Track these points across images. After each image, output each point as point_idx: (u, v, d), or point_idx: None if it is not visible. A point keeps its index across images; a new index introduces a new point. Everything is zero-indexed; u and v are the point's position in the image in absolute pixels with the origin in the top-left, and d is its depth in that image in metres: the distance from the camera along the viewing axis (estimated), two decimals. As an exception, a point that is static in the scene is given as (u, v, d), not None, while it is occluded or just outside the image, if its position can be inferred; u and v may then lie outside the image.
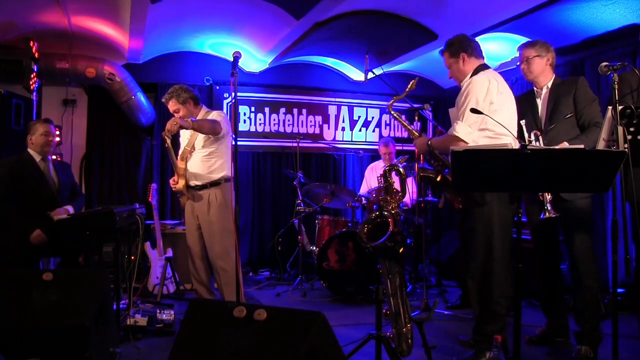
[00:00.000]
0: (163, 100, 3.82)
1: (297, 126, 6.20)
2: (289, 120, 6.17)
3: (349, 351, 2.55)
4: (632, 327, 3.28)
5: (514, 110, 3.03)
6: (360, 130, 6.49)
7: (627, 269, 2.77)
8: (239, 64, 3.19)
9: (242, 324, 1.76)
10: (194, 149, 3.76)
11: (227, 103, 5.88)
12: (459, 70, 3.09)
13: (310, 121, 6.28)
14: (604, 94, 4.34)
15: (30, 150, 3.69)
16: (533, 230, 3.36)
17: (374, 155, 6.36)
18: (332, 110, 6.37)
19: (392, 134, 6.58)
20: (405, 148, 6.28)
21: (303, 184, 5.24)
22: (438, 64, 5.58)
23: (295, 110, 6.20)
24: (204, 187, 3.73)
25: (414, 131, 3.29)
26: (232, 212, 3.66)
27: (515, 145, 2.75)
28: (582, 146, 2.34)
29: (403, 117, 3.36)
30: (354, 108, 6.47)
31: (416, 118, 4.81)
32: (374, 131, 6.55)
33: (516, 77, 5.27)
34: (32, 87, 4.69)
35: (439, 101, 6.59)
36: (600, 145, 2.59)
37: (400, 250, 2.72)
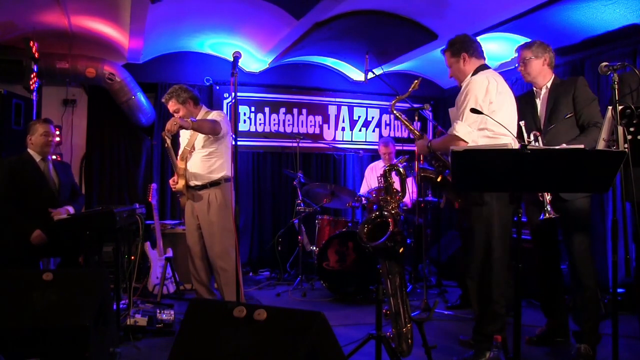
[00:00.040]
0: (163, 100, 3.82)
1: (297, 126, 6.20)
2: (289, 120, 6.17)
3: (349, 351, 2.55)
4: (632, 327, 3.28)
5: (513, 110, 3.03)
6: (360, 130, 6.49)
7: (627, 269, 2.78)
8: (239, 64, 3.19)
9: (242, 324, 1.76)
10: (194, 149, 3.76)
11: (227, 103, 5.88)
12: (460, 70, 3.09)
13: (310, 121, 6.28)
14: (604, 94, 4.34)
15: (30, 151, 3.69)
16: (533, 230, 3.37)
17: (374, 155, 6.36)
18: (332, 110, 6.37)
19: (392, 134, 6.58)
20: (405, 148, 6.28)
21: (303, 184, 5.24)
22: (438, 64, 5.61)
23: (295, 110, 6.20)
24: (203, 187, 3.73)
25: (416, 131, 3.30)
26: (232, 212, 3.66)
27: (515, 145, 2.75)
28: (582, 146, 2.34)
29: (404, 116, 3.35)
30: (354, 108, 6.47)
31: (416, 118, 4.81)
32: (374, 131, 6.55)
33: (516, 77, 5.26)
34: (32, 87, 4.69)
35: (439, 101, 6.59)
36: (600, 145, 2.59)
37: (400, 250, 2.72)
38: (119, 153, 5.63)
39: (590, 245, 3.13)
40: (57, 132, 4.96)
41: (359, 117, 6.49)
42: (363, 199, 5.00)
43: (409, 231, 5.22)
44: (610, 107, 2.48)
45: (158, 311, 3.60)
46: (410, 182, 5.16)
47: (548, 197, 2.90)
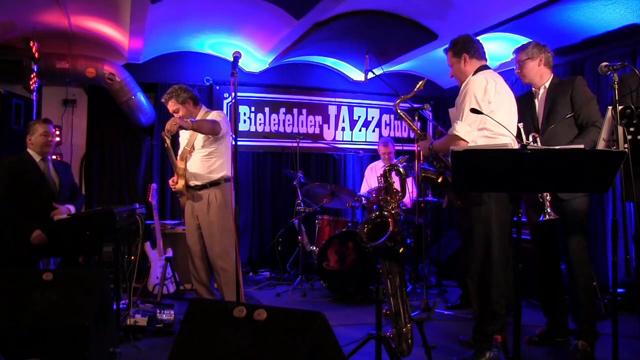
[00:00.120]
0: (162, 100, 3.82)
1: (297, 126, 6.20)
2: (289, 120, 6.17)
3: (349, 351, 2.55)
4: (632, 327, 3.29)
5: (512, 110, 3.04)
6: (360, 130, 6.49)
7: (627, 269, 2.78)
8: (239, 64, 3.19)
9: (242, 324, 1.76)
10: (194, 149, 3.76)
11: (227, 103, 5.88)
12: (460, 71, 3.11)
13: (310, 121, 6.28)
14: (604, 94, 4.35)
15: (29, 151, 3.69)
16: (533, 230, 3.37)
17: (374, 155, 6.36)
18: (332, 110, 6.37)
19: (392, 134, 6.58)
20: (405, 148, 6.29)
21: (303, 184, 5.24)
22: (438, 64, 5.61)
23: (295, 110, 6.21)
24: (203, 187, 3.73)
25: (419, 132, 3.30)
26: (232, 212, 3.66)
27: (515, 145, 2.75)
28: (582, 146, 2.34)
29: (408, 116, 3.35)
30: (354, 108, 6.47)
31: (416, 118, 4.80)
32: (374, 131, 6.55)
33: (516, 77, 5.22)
34: (32, 87, 4.69)
35: (439, 101, 6.60)
36: (600, 145, 2.60)
37: (400, 250, 2.72)
38: (119, 153, 5.63)
39: (587, 245, 3.14)
40: (57, 132, 4.98)
41: (359, 117, 6.49)
42: (363, 199, 5.00)
43: (409, 231, 5.22)
44: (610, 107, 2.48)
45: (158, 311, 3.60)
46: (410, 182, 5.16)
47: (548, 198, 2.90)
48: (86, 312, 2.37)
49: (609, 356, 2.40)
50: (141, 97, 5.34)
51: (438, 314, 4.11)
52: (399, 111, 3.21)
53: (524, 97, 3.36)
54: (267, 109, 6.09)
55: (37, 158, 3.69)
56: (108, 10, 4.47)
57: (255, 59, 5.80)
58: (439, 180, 3.08)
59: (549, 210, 2.87)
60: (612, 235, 2.43)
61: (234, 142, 3.10)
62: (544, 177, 2.23)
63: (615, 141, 2.40)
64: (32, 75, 4.65)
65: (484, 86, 2.86)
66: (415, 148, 4.64)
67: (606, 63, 2.49)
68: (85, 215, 3.52)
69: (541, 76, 3.24)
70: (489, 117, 2.72)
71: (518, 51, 3.27)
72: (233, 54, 3.12)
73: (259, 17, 4.70)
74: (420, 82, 3.15)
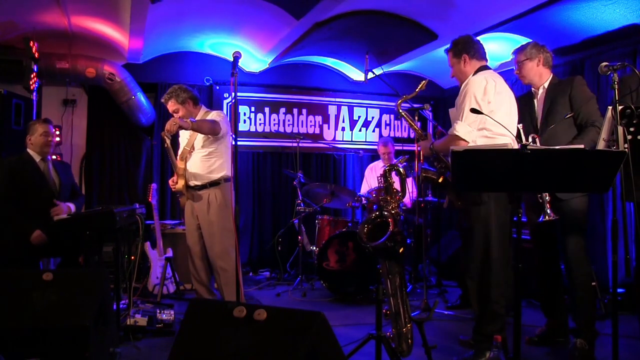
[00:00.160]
0: (162, 100, 3.82)
1: (297, 126, 6.20)
2: (289, 120, 6.17)
3: (349, 351, 2.55)
4: (632, 327, 3.29)
5: (512, 110, 3.04)
6: (360, 130, 6.49)
7: (627, 269, 2.79)
8: (239, 64, 3.19)
9: (242, 324, 1.76)
10: (194, 149, 3.75)
11: (227, 103, 5.88)
12: (460, 71, 3.13)
13: (310, 121, 6.28)
14: (604, 94, 4.35)
15: (29, 151, 3.69)
16: (533, 230, 3.37)
17: (373, 155, 6.36)
18: (332, 110, 6.37)
19: (392, 134, 6.58)
20: (405, 148, 6.29)
21: (303, 184, 5.24)
22: (438, 64, 5.62)
23: (295, 110, 6.20)
24: (203, 187, 3.73)
25: (420, 132, 3.31)
26: (232, 212, 3.66)
27: (515, 145, 2.76)
28: (582, 146, 2.34)
29: (409, 116, 3.36)
30: (354, 108, 6.47)
31: (416, 118, 4.81)
32: (374, 131, 6.55)
33: (516, 77, 5.23)
34: (32, 87, 4.69)
35: (439, 101, 6.60)
36: (600, 145, 2.60)
37: (400, 250, 2.72)
38: (119, 153, 5.63)
39: (586, 245, 3.14)
40: (57, 132, 4.98)
41: (359, 117, 6.49)
42: (363, 199, 5.00)
43: (409, 231, 5.22)
44: (610, 107, 2.48)
45: (158, 311, 3.60)
46: (410, 182, 5.16)
47: (547, 198, 2.90)
48: (86, 312, 2.37)
49: (609, 356, 2.40)
50: (141, 97, 5.34)
51: (438, 314, 4.11)
52: (400, 111, 3.22)
53: (524, 98, 3.37)
54: (267, 109, 6.09)
55: (37, 158, 3.69)
56: (108, 10, 4.47)
57: (255, 59, 5.80)
58: (440, 180, 3.08)
59: (548, 212, 2.87)
60: (612, 235, 2.43)
61: (234, 142, 3.10)
62: (544, 177, 2.23)
63: (615, 141, 2.40)
64: (32, 75, 4.65)
65: (484, 86, 2.87)
66: (415, 148, 4.63)
67: (606, 63, 2.49)
68: (85, 215, 3.52)
69: (540, 76, 3.25)
70: (488, 117, 2.72)
71: (517, 52, 3.29)
72: (233, 54, 3.12)
73: (259, 17, 4.70)
74: (423, 83, 3.17)
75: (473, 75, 3.03)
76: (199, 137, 3.71)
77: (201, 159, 3.73)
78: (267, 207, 6.12)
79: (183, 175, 3.73)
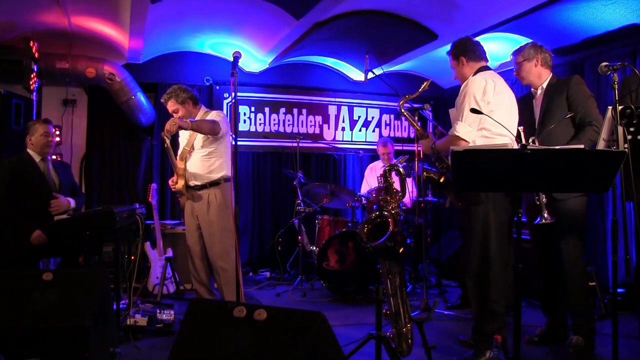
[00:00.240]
0: (162, 100, 3.82)
1: (297, 126, 6.20)
2: (289, 120, 6.17)
3: (349, 351, 2.55)
4: (632, 327, 3.29)
5: (512, 110, 3.05)
6: (360, 130, 6.49)
7: (627, 269, 2.78)
8: (239, 64, 3.19)
9: (242, 324, 1.76)
10: (193, 149, 3.76)
11: (227, 103, 5.88)
12: (460, 73, 3.17)
13: (310, 121, 6.28)
14: (604, 94, 4.35)
15: (29, 151, 3.69)
16: (533, 230, 3.37)
17: (373, 155, 6.36)
18: (332, 110, 6.37)
19: (391, 134, 6.58)
20: (405, 148, 6.29)
21: (303, 184, 5.24)
22: (438, 64, 5.62)
23: (295, 110, 6.20)
24: (203, 187, 3.73)
25: (421, 130, 3.32)
26: (232, 212, 3.66)
27: (514, 145, 2.76)
28: (582, 146, 2.34)
29: (411, 115, 3.37)
30: (354, 108, 6.47)
31: (416, 118, 4.82)
32: (374, 131, 6.55)
33: (516, 78, 5.28)
34: (32, 87, 4.68)
35: (439, 101, 6.59)
36: (600, 145, 2.60)
37: (400, 250, 2.72)
38: (119, 153, 5.63)
39: (581, 245, 3.16)
40: (57, 132, 4.99)
41: (359, 117, 6.49)
42: (363, 199, 5.00)
43: (409, 231, 5.22)
44: (610, 107, 2.48)
45: (158, 311, 3.59)
46: (410, 182, 5.16)
47: (545, 200, 2.91)
48: (86, 312, 2.37)
49: (609, 356, 2.40)
50: (141, 97, 5.34)
51: (438, 314, 4.11)
52: (403, 110, 3.24)
53: (524, 99, 3.38)
54: (267, 109, 6.09)
55: (37, 158, 3.69)
56: (108, 10, 4.47)
57: (255, 59, 5.80)
58: (441, 180, 3.09)
59: (545, 215, 2.88)
60: (612, 235, 2.43)
61: (234, 142, 3.10)
62: (543, 177, 2.23)
63: (615, 141, 2.40)
64: (32, 75, 4.65)
65: (483, 87, 2.89)
66: (415, 148, 4.64)
67: (606, 63, 2.49)
68: (85, 215, 3.52)
69: (539, 76, 3.26)
70: (488, 117, 2.72)
71: (515, 53, 3.31)
72: (233, 54, 3.12)
73: (259, 17, 4.70)
74: (425, 83, 3.20)
75: (473, 75, 3.04)
76: (199, 137, 3.71)
77: (201, 159, 3.73)
78: (267, 207, 6.12)
79: (183, 175, 3.73)
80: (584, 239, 3.42)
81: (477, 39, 3.25)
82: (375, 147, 6.23)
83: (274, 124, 6.09)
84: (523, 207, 2.85)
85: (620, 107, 2.42)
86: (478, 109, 2.68)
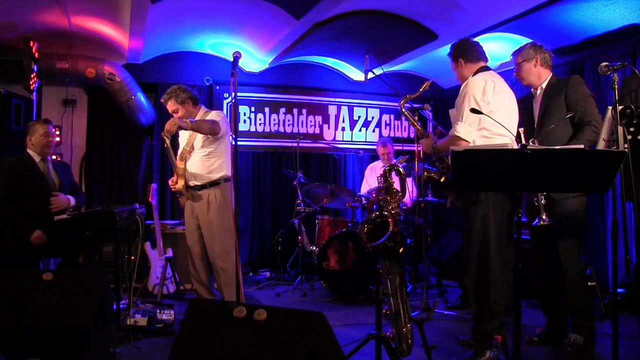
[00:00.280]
0: (162, 100, 3.82)
1: (297, 126, 6.20)
2: (289, 120, 6.17)
3: (349, 351, 2.55)
4: (632, 327, 3.29)
5: (512, 110, 3.05)
6: (360, 130, 6.49)
7: (627, 269, 2.78)
8: (239, 64, 3.19)
9: (242, 324, 1.76)
10: (193, 149, 3.75)
11: (227, 103, 5.88)
12: (460, 74, 3.19)
13: (310, 121, 6.27)
14: (604, 94, 4.35)
15: (29, 151, 3.69)
16: (532, 230, 3.37)
17: (373, 155, 6.36)
18: (332, 110, 6.37)
19: (391, 134, 6.58)
20: (405, 148, 6.29)
21: (303, 184, 5.24)
22: (438, 64, 5.61)
23: (295, 110, 6.20)
24: (203, 187, 3.73)
25: (422, 130, 3.32)
26: (232, 212, 3.66)
27: (514, 145, 2.76)
28: (582, 146, 2.34)
29: (412, 115, 3.38)
30: (354, 108, 6.47)
31: (416, 118, 4.80)
32: (374, 131, 6.55)
33: (516, 78, 5.28)
34: (32, 87, 4.68)
35: (439, 101, 6.60)
36: (600, 145, 2.60)
37: (400, 250, 2.72)
38: (119, 153, 5.63)
39: (580, 245, 3.16)
40: (57, 132, 4.98)
41: (359, 117, 6.49)
42: (363, 199, 5.00)
43: (409, 231, 5.22)
44: (610, 107, 2.48)
45: (158, 311, 3.59)
46: (410, 182, 5.16)
47: (543, 202, 2.91)
48: (86, 312, 2.37)
49: (609, 356, 2.40)
50: (141, 97, 5.34)
51: (438, 314, 4.11)
52: (404, 110, 3.24)
53: (525, 99, 3.39)
54: (267, 109, 6.09)
55: (37, 158, 3.69)
56: (108, 10, 4.47)
57: (255, 59, 5.80)
58: (442, 180, 3.10)
59: (544, 217, 2.88)
60: (612, 235, 2.43)
61: (233, 142, 3.10)
62: (543, 177, 2.23)
63: (615, 141, 2.40)
64: (32, 75, 4.65)
65: (483, 87, 2.90)
66: (415, 148, 4.63)
67: (606, 63, 2.49)
68: (85, 215, 3.52)
69: (539, 77, 3.26)
70: (488, 117, 2.73)
71: (515, 54, 3.32)
72: (233, 54, 3.12)
73: (259, 17, 4.70)
74: (426, 83, 3.22)
75: (473, 76, 3.05)
76: (199, 137, 3.71)
77: (201, 159, 3.73)
78: (267, 207, 6.12)
79: (183, 175, 3.73)
80: (583, 239, 3.43)
81: (477, 39, 3.26)
82: (375, 147, 6.24)
83: (274, 124, 6.09)
84: (523, 207, 2.86)
85: (620, 107, 2.42)
86: (478, 109, 2.68)
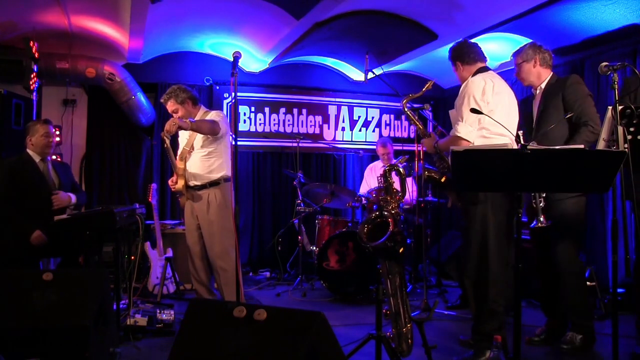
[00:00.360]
0: (161, 100, 3.82)
1: (297, 126, 6.20)
2: (289, 120, 6.17)
3: (349, 351, 2.55)
4: (632, 327, 3.29)
5: (511, 110, 3.05)
6: (360, 130, 6.49)
7: (627, 269, 2.79)
8: (239, 64, 3.19)
9: (242, 324, 1.76)
10: (193, 149, 3.75)
11: (227, 103, 5.88)
12: (460, 76, 3.19)
13: (310, 121, 6.27)
14: (604, 94, 4.35)
15: (29, 151, 3.69)
16: (532, 230, 3.37)
17: (373, 155, 6.36)
18: (332, 110, 6.37)
19: (391, 134, 6.58)
20: (405, 148, 6.29)
21: (303, 184, 5.24)
22: (438, 64, 5.61)
23: (295, 110, 6.20)
24: (203, 187, 3.73)
25: (424, 130, 3.33)
26: (232, 211, 3.66)
27: (514, 145, 2.76)
28: (582, 146, 2.35)
29: (414, 115, 3.38)
30: (354, 108, 6.47)
31: (416, 117, 4.81)
32: (374, 131, 6.55)
33: (516, 78, 5.28)
34: (32, 87, 4.68)
35: (439, 101, 6.60)
36: (600, 145, 2.60)
37: (400, 250, 2.72)
38: (119, 153, 5.63)
39: (578, 245, 3.16)
40: (57, 132, 4.98)
41: (359, 117, 6.49)
42: (363, 199, 5.00)
43: (409, 231, 5.22)
44: (610, 107, 2.48)
45: (158, 311, 3.59)
46: (410, 182, 5.16)
47: (541, 205, 2.91)
48: (86, 312, 2.37)
49: (609, 356, 2.40)
50: (141, 97, 5.34)
51: (438, 314, 4.11)
52: (406, 110, 3.25)
53: (525, 101, 3.40)
54: (267, 109, 6.09)
55: (36, 159, 3.69)
56: (108, 10, 4.47)
57: (255, 59, 5.80)
58: (442, 180, 3.10)
59: (541, 219, 2.89)
60: (612, 235, 2.43)
61: (233, 142, 3.10)
62: (543, 177, 2.23)
63: (615, 141, 2.40)
64: (32, 75, 4.65)
65: (482, 87, 2.90)
66: (415, 148, 4.64)
67: (606, 63, 2.49)
68: (85, 215, 3.52)
69: (539, 77, 3.27)
70: (488, 116, 2.73)
71: (515, 55, 3.33)
72: (233, 54, 3.12)
73: (259, 17, 4.70)
74: (429, 83, 3.23)
75: (472, 77, 3.05)
76: (199, 137, 3.71)
77: (201, 159, 3.73)
78: (267, 207, 6.12)
79: (183, 175, 3.73)
80: (582, 239, 3.43)
81: (477, 39, 3.27)
82: (375, 147, 6.25)
83: (274, 124, 6.09)
84: (524, 206, 2.87)
85: (620, 107, 2.42)
86: (478, 109, 2.69)
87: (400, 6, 4.55)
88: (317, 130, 6.30)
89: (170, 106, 3.74)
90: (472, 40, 3.30)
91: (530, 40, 3.77)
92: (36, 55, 4.64)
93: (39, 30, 4.73)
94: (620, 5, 3.89)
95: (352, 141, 6.43)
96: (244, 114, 5.98)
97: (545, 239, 3.28)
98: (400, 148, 6.27)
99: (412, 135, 6.56)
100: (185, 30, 5.17)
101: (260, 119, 6.05)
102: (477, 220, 2.89)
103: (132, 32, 4.57)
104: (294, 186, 5.35)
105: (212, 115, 3.77)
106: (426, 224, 4.99)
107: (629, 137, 2.41)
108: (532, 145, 2.62)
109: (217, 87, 5.84)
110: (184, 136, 3.87)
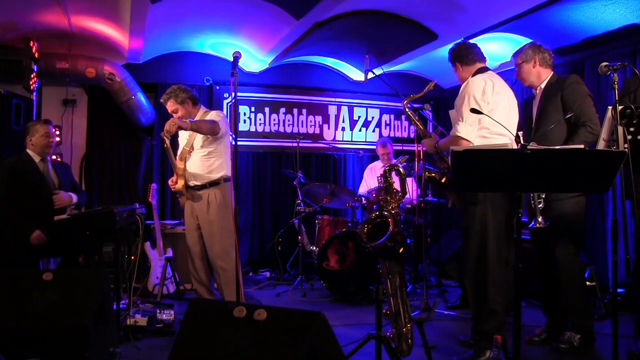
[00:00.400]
0: (161, 100, 3.82)
1: (297, 126, 6.20)
2: (289, 120, 6.17)
3: (349, 351, 2.55)
4: (632, 327, 3.29)
5: (511, 110, 3.06)
6: (360, 130, 6.49)
7: (627, 269, 2.79)
8: (239, 64, 3.19)
9: (242, 324, 1.76)
10: (193, 149, 3.75)
11: (227, 103, 5.88)
12: (460, 76, 3.20)
13: (310, 121, 6.28)
14: (604, 94, 4.35)
15: (29, 151, 3.69)
16: (532, 230, 3.37)
17: (373, 155, 6.36)
18: (332, 110, 6.37)
19: (391, 134, 6.58)
20: (405, 148, 6.29)
21: (303, 184, 5.24)
22: (438, 64, 5.61)
23: (295, 110, 6.21)
24: (203, 187, 3.73)
25: (424, 130, 3.33)
26: (232, 211, 3.66)
27: (514, 145, 2.77)
28: (582, 146, 2.35)
29: (414, 115, 3.39)
30: (354, 108, 6.47)
31: (416, 118, 4.81)
32: (374, 131, 6.55)
33: (516, 78, 5.28)
34: (32, 87, 4.69)
35: (439, 101, 6.60)
36: (600, 145, 2.60)
37: (400, 250, 2.72)
38: (119, 153, 5.63)
39: (577, 245, 3.16)
40: (57, 132, 4.98)
41: (359, 117, 6.49)
42: (363, 199, 5.00)
43: (409, 231, 5.22)
44: (610, 107, 2.48)
45: (158, 311, 3.59)
46: (410, 182, 5.16)
47: (540, 206, 2.91)
48: (86, 312, 2.37)
49: (609, 356, 2.40)
50: (141, 97, 5.34)
51: (438, 314, 4.11)
52: (407, 110, 3.26)
53: (526, 102, 3.41)
54: (267, 109, 6.09)
55: (36, 159, 3.69)
56: (108, 10, 4.48)
57: (255, 59, 5.80)
58: (443, 180, 3.10)
59: (540, 220, 2.88)
60: (612, 235, 2.43)
61: (233, 142, 3.10)
62: (543, 177, 2.23)
63: (615, 141, 2.40)
64: (32, 75, 4.65)
65: (482, 87, 2.91)
66: (415, 148, 4.64)
67: (606, 63, 2.49)
68: (85, 215, 3.52)
69: (539, 77, 3.27)
70: (488, 116, 2.73)
71: (515, 55, 3.33)
72: (233, 54, 3.12)
73: (259, 17, 4.70)
74: (431, 84, 3.23)
75: (472, 77, 3.05)
76: (198, 137, 3.71)
77: (200, 159, 3.73)
78: (267, 207, 6.12)
79: (183, 175, 3.73)
80: (581, 239, 3.42)
81: (477, 39, 3.27)
82: (375, 147, 6.25)
83: (274, 124, 6.09)
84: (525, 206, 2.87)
85: (620, 107, 2.42)
86: (478, 109, 2.69)
87: (400, 6, 4.55)
88: (317, 130, 6.30)
89: (170, 106, 3.74)
90: (472, 41, 3.31)
91: (530, 40, 3.77)
92: (36, 55, 4.64)
93: (39, 30, 4.73)
94: (620, 5, 3.89)
95: (352, 141, 6.43)
96: (244, 114, 5.98)
97: (545, 239, 3.28)
98: (400, 148, 6.27)
99: (412, 135, 6.56)
100: (185, 30, 5.17)
101: (260, 119, 6.05)
102: (477, 220, 2.90)
103: (132, 32, 4.57)
104: (294, 186, 5.35)
105: (212, 115, 3.77)
106: (426, 224, 4.99)
107: (629, 137, 2.41)
108: (532, 146, 2.63)
109: (217, 87, 5.84)
110: (183, 136, 3.87)
